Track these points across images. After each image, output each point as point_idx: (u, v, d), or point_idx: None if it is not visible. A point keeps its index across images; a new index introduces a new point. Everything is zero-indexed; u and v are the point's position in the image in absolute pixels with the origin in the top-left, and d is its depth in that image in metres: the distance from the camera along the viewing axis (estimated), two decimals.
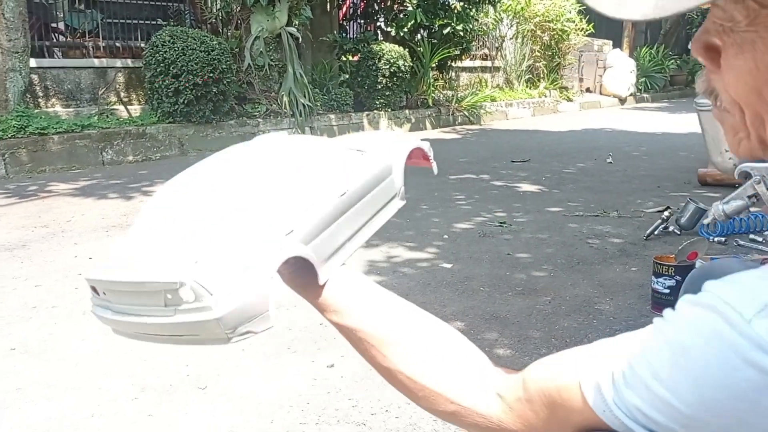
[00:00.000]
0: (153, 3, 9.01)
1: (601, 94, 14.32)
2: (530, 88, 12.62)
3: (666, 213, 3.86)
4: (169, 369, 2.23)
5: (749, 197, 1.02)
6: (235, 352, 2.36)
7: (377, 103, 9.14)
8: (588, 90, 14.46)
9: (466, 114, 10.54)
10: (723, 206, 1.05)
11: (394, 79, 9.09)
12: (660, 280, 2.68)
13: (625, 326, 2.57)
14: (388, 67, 8.94)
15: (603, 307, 2.78)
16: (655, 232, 3.79)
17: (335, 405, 2.01)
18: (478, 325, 2.60)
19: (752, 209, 1.08)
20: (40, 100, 7.17)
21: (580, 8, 12.94)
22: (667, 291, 2.67)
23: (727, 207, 1.04)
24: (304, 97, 8.01)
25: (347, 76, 9.12)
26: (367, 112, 9.04)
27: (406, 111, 9.67)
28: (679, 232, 3.80)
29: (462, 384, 0.73)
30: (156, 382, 2.15)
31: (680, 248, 2.71)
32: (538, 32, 12.64)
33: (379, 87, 9.02)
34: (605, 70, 14.35)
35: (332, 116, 8.53)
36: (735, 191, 1.04)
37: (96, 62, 7.72)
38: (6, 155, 5.76)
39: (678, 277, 2.64)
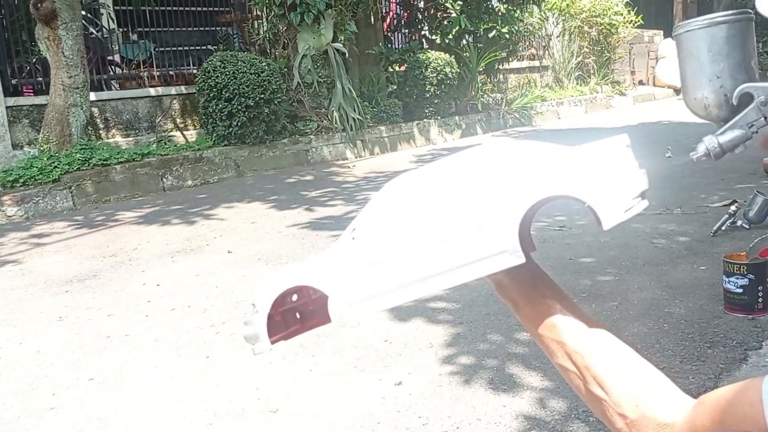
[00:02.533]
0: (202, 29, 9.25)
1: (654, 85, 13.98)
2: (581, 85, 12.41)
3: (733, 207, 3.73)
4: (240, 392, 2.27)
5: (749, 125, 0.91)
6: (303, 373, 2.39)
7: (426, 111, 9.13)
8: (641, 83, 14.13)
9: (517, 116, 10.43)
10: (717, 138, 0.94)
11: (442, 86, 9.07)
12: (732, 279, 2.60)
13: (698, 329, 2.49)
14: (435, 75, 8.93)
15: (673, 309, 2.71)
16: (723, 228, 3.67)
17: (406, 424, 2.01)
18: None
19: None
20: (101, 131, 7.44)
21: (627, 0, 12.68)
22: (740, 290, 2.58)
23: (722, 138, 0.94)
24: (354, 111, 8.07)
25: (395, 87, 9.15)
26: (417, 122, 9.05)
27: (456, 117, 9.63)
28: (747, 227, 3.68)
29: (653, 393, 0.73)
30: (228, 406, 2.19)
31: (751, 245, 2.62)
32: (586, 28, 12.42)
33: (428, 95, 9.01)
34: (657, 60, 14.00)
35: (383, 128, 8.57)
36: (733, 120, 0.94)
37: (152, 91, 7.96)
38: (72, 187, 5.98)
39: (751, 276, 2.55)
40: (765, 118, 0.89)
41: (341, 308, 0.68)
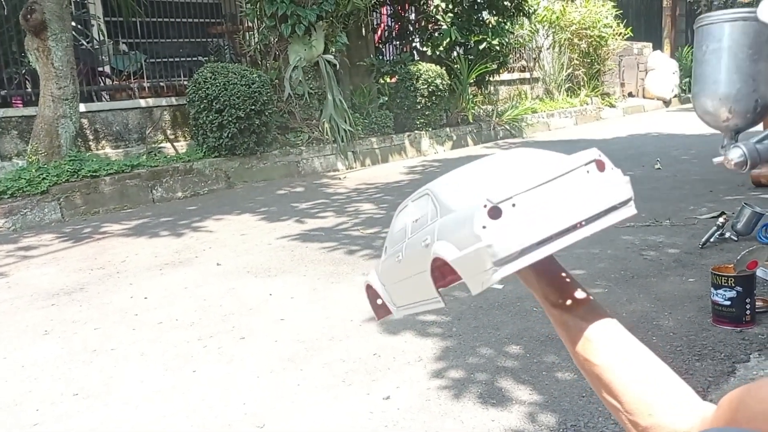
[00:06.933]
0: (193, 41, 9.25)
1: (644, 97, 14.07)
2: (571, 97, 12.48)
3: (721, 219, 3.75)
4: (226, 407, 2.25)
5: None
6: (290, 387, 2.37)
7: (418, 123, 9.15)
8: (630, 94, 14.22)
9: (508, 128, 10.46)
10: (757, 146, 0.90)
11: (433, 98, 9.09)
12: (720, 291, 2.60)
13: (687, 342, 2.49)
14: (426, 86, 8.96)
15: (662, 322, 2.71)
16: (711, 240, 3.68)
17: None
18: (534, 347, 2.56)
19: None
20: (90, 143, 7.41)
21: (617, 13, 12.78)
22: (728, 303, 2.58)
23: (761, 146, 0.90)
24: (345, 122, 8.08)
25: (386, 99, 9.17)
26: (408, 133, 9.06)
27: (447, 129, 9.65)
28: (736, 239, 3.69)
29: (668, 401, 0.72)
30: (215, 421, 2.17)
31: (739, 258, 2.62)
32: (576, 40, 12.51)
33: (419, 107, 9.03)
34: (647, 73, 14.10)
35: (374, 139, 8.58)
36: None
37: (142, 102, 7.95)
38: (61, 199, 5.95)
39: (739, 288, 2.56)
40: None
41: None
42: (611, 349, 0.77)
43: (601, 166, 0.75)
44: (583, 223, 0.73)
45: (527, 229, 0.70)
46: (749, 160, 0.85)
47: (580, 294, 0.83)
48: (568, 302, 0.81)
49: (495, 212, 0.70)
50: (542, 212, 0.71)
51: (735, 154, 0.86)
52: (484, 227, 0.69)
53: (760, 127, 0.92)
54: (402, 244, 0.85)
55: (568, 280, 0.84)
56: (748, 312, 2.57)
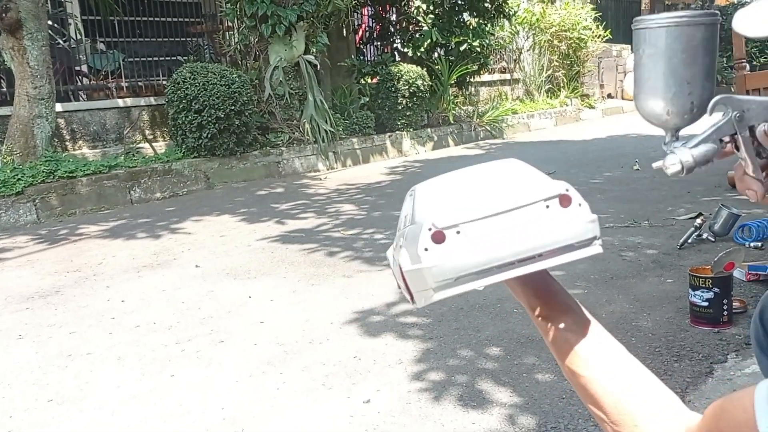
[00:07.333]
0: (172, 40, 9.17)
1: (623, 99, 14.18)
2: (551, 98, 12.55)
3: (698, 220, 3.78)
4: (205, 412, 2.22)
5: (721, 141, 0.86)
6: (269, 391, 2.35)
7: (399, 123, 9.15)
8: (609, 96, 14.33)
9: (488, 128, 10.50)
10: (692, 151, 0.90)
11: (414, 98, 9.10)
12: (697, 293, 2.62)
13: (665, 343, 2.50)
14: (407, 87, 8.96)
15: (641, 323, 2.72)
16: (689, 241, 3.71)
17: None
18: (514, 349, 2.56)
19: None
20: (67, 143, 7.31)
21: (596, 15, 12.87)
22: (706, 304, 2.60)
23: (696, 152, 0.89)
24: (326, 122, 8.05)
25: (367, 99, 9.15)
26: (389, 134, 9.05)
27: (428, 129, 9.66)
28: (713, 239, 3.72)
29: (653, 410, 0.72)
30: (192, 426, 2.14)
31: (716, 259, 2.65)
32: (555, 42, 12.58)
33: (400, 108, 9.03)
34: (625, 74, 14.23)
35: (355, 140, 8.56)
36: (705, 130, 0.87)
37: (120, 102, 7.86)
38: (36, 200, 5.86)
39: (716, 289, 2.58)
40: (736, 133, 0.86)
41: None
42: (596, 362, 0.77)
43: (565, 201, 0.74)
44: (536, 257, 0.73)
45: (467, 258, 0.71)
46: (684, 168, 0.87)
47: (566, 304, 0.82)
48: (554, 313, 0.81)
49: (439, 236, 0.71)
50: (487, 243, 0.71)
51: (670, 161, 0.88)
52: (426, 249, 0.71)
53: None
54: (399, 234, 0.86)
55: (554, 289, 0.83)
56: (725, 313, 2.59)
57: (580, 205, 0.75)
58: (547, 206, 0.73)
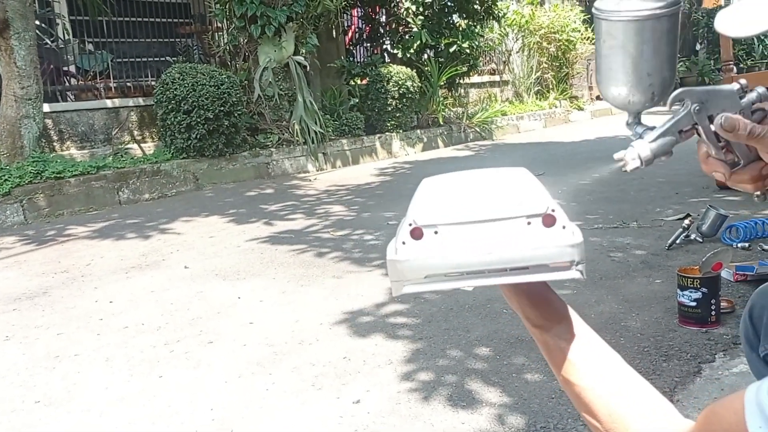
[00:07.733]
0: (161, 40, 9.14)
1: None
2: (540, 100, 12.60)
3: (686, 221, 3.80)
4: (193, 413, 2.21)
5: (681, 132, 0.86)
6: (259, 392, 2.34)
7: (388, 125, 9.16)
8: (598, 98, 14.39)
9: (478, 130, 10.52)
10: (650, 145, 0.90)
11: (404, 100, 9.11)
12: (685, 293, 2.63)
13: (654, 343, 2.52)
14: (397, 88, 8.97)
15: (630, 323, 2.73)
16: (677, 241, 3.73)
17: None
18: (504, 349, 2.56)
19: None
20: (55, 144, 7.26)
21: (585, 17, 12.94)
22: (694, 304, 2.61)
23: (654, 145, 0.87)
24: (316, 123, 8.04)
25: (357, 101, 9.16)
26: (378, 135, 9.06)
27: (418, 131, 9.67)
28: (701, 240, 3.74)
29: (643, 413, 0.72)
30: (182, 428, 2.13)
31: (704, 260, 2.66)
32: (544, 44, 12.64)
33: (390, 109, 9.04)
34: None
35: (344, 141, 8.56)
36: (664, 123, 0.87)
37: (108, 103, 7.82)
38: (24, 201, 5.82)
39: (704, 290, 2.59)
40: (695, 125, 0.87)
41: None
42: (589, 371, 0.77)
43: (548, 221, 0.73)
44: (507, 270, 0.73)
45: (439, 259, 0.72)
46: (643, 162, 0.88)
47: (560, 314, 0.82)
48: (548, 323, 0.81)
49: (417, 233, 0.72)
50: (460, 248, 0.72)
51: (630, 155, 0.88)
52: (404, 243, 0.73)
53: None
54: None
55: (548, 298, 0.83)
56: (713, 313, 2.61)
57: (564, 227, 0.74)
58: (529, 223, 0.73)
